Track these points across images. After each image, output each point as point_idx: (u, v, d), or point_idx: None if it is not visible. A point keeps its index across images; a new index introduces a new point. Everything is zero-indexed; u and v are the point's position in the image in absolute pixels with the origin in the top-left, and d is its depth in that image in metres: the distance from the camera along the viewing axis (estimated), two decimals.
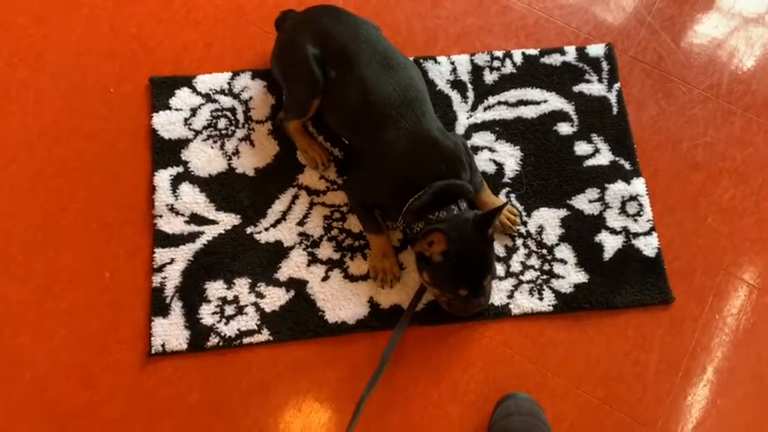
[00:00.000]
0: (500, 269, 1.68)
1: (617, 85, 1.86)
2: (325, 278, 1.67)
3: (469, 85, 1.85)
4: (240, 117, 1.80)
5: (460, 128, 1.81)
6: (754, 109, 1.86)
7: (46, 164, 1.74)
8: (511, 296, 1.66)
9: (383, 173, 1.60)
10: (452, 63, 1.86)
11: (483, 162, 1.77)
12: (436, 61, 1.86)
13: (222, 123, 1.79)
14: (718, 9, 1.98)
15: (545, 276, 1.68)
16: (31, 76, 1.83)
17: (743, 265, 1.72)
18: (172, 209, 1.71)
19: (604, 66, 1.87)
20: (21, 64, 1.84)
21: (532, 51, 1.88)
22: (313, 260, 1.68)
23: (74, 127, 1.78)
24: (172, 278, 1.65)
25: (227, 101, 1.81)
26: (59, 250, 1.67)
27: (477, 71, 1.86)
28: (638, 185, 1.76)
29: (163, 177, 1.73)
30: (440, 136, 1.59)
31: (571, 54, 1.88)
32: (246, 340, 1.60)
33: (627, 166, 1.78)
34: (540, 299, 1.66)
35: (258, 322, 1.62)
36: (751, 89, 1.89)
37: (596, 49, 1.89)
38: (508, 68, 1.86)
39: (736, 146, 1.83)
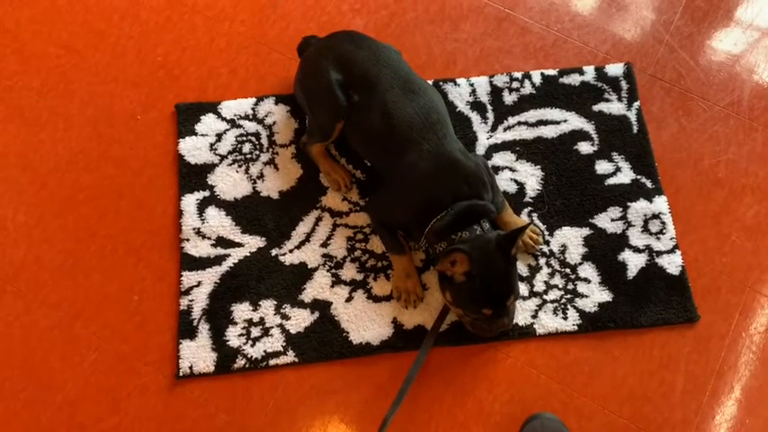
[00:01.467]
0: (523, 289, 1.69)
1: (636, 104, 1.87)
2: (349, 299, 1.68)
3: (489, 107, 1.87)
4: (264, 141, 1.83)
5: (481, 148, 1.82)
6: None
7: (75, 190, 1.79)
8: (535, 316, 1.66)
9: (406, 194, 1.62)
10: (472, 85, 1.89)
11: (504, 182, 1.78)
12: (456, 83, 1.89)
13: (247, 148, 1.83)
14: (737, 25, 1.99)
15: (569, 296, 1.68)
16: (60, 105, 1.88)
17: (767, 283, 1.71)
18: (198, 232, 1.74)
19: (623, 85, 1.88)
20: (50, 93, 1.89)
21: (551, 72, 1.90)
22: (337, 281, 1.70)
23: (101, 154, 1.83)
24: (199, 301, 1.67)
25: (251, 126, 1.85)
26: (89, 275, 1.70)
27: (496, 92, 1.88)
28: (661, 203, 1.76)
29: (189, 201, 1.76)
30: (461, 157, 1.61)
31: (590, 74, 1.90)
32: (272, 362, 1.62)
33: (648, 184, 1.78)
34: (565, 318, 1.66)
35: (284, 344, 1.64)
36: None
37: (615, 69, 1.90)
38: (527, 89, 1.88)
39: (759, 162, 1.82)
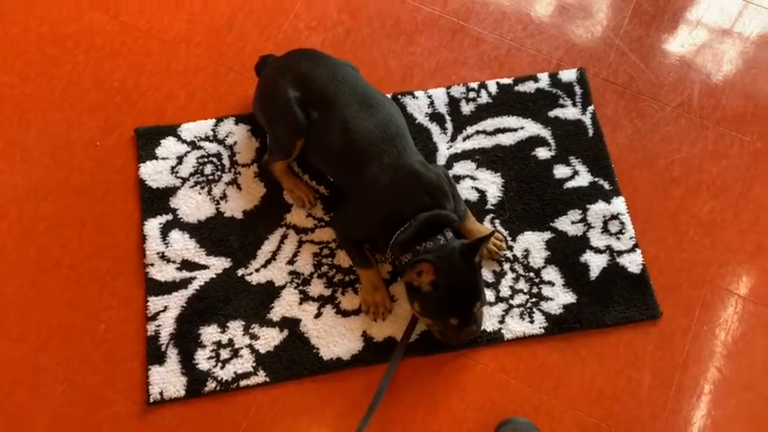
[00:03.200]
0: (490, 295, 1.71)
1: (591, 108, 1.91)
2: (318, 315, 1.68)
3: (447, 117, 1.89)
4: (226, 162, 1.83)
5: (441, 158, 1.85)
6: (725, 123, 1.92)
7: (36, 221, 1.76)
8: (502, 321, 1.69)
9: (369, 208, 1.64)
10: (429, 97, 1.91)
11: (465, 190, 1.81)
12: (414, 96, 1.91)
13: (209, 169, 1.82)
14: (683, 27, 2.05)
15: (534, 299, 1.71)
16: (16, 135, 1.86)
17: (727, 276, 1.75)
18: (163, 257, 1.73)
19: (577, 90, 1.93)
20: (6, 123, 1.87)
21: (506, 80, 1.94)
22: (305, 298, 1.70)
23: (62, 182, 1.81)
24: (166, 326, 1.66)
25: (212, 147, 1.85)
26: (53, 306, 1.68)
27: (453, 103, 1.91)
28: (619, 204, 1.80)
29: (153, 226, 1.75)
30: (421, 168, 1.63)
31: (544, 81, 1.94)
32: (243, 383, 1.61)
33: (606, 185, 1.82)
34: (531, 322, 1.68)
35: (254, 364, 1.63)
36: (721, 103, 1.94)
37: (568, 75, 1.95)
38: (484, 98, 1.91)
39: (711, 159, 1.88)
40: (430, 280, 1.51)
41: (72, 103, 1.89)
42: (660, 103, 1.94)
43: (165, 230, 1.75)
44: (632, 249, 1.76)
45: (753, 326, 1.71)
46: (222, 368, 1.63)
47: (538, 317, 1.69)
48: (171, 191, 1.79)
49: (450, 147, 1.86)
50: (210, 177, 1.81)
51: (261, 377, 1.62)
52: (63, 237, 1.75)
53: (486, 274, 1.73)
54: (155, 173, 1.81)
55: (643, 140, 1.89)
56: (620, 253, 1.75)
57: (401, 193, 1.60)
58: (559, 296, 1.71)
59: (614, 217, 1.79)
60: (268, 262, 1.73)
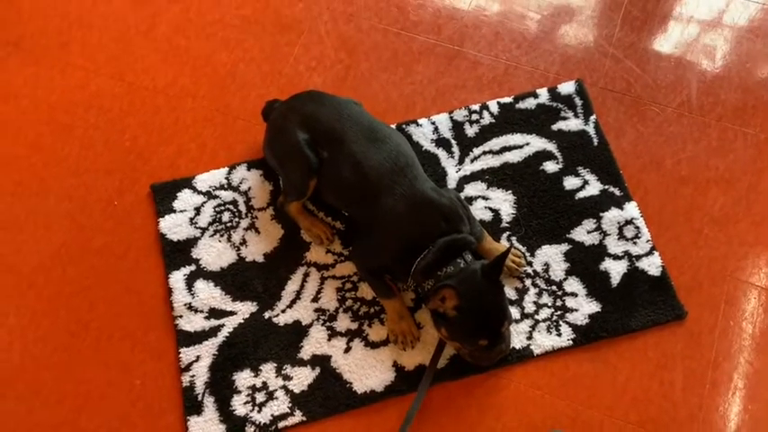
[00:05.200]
0: (515, 312, 1.72)
1: (593, 117, 1.94)
2: (348, 349, 1.70)
3: (453, 141, 1.93)
4: (242, 208, 1.87)
5: (452, 182, 1.88)
6: (726, 117, 1.94)
7: (62, 285, 1.80)
8: (530, 337, 1.70)
9: (386, 239, 1.66)
10: (433, 123, 1.95)
11: (479, 211, 1.83)
12: (418, 124, 1.95)
13: (226, 217, 1.86)
14: (674, 28, 2.09)
15: (559, 312, 1.72)
16: (36, 203, 1.90)
17: (746, 269, 1.77)
18: (190, 307, 1.76)
19: (577, 101, 1.96)
20: (25, 192, 1.92)
21: (507, 99, 1.97)
22: (333, 334, 1.72)
23: (84, 245, 1.85)
24: (200, 375, 1.69)
25: (227, 195, 1.89)
26: (87, 367, 1.71)
27: (457, 127, 1.94)
28: (632, 209, 1.82)
29: (177, 278, 1.79)
30: (434, 195, 1.66)
31: (544, 96, 1.97)
32: (281, 424, 1.63)
33: (617, 192, 1.84)
34: (559, 335, 1.70)
35: (290, 405, 1.65)
36: (720, 99, 1.97)
37: (567, 87, 1.98)
38: (487, 119, 1.95)
39: (717, 155, 1.90)
40: (454, 305, 1.53)
41: (87, 167, 1.94)
42: (660, 105, 1.97)
43: (189, 281, 1.78)
44: (650, 252, 1.77)
45: None
46: (259, 412, 1.65)
47: (565, 329, 1.70)
48: (192, 242, 1.83)
49: (459, 170, 1.89)
50: (229, 224, 1.85)
51: (298, 417, 1.64)
52: (90, 298, 1.78)
53: (509, 292, 1.74)
54: (174, 226, 1.85)
55: (647, 144, 1.92)
56: (639, 257, 1.77)
57: (417, 221, 1.63)
58: (584, 306, 1.72)
59: (628, 222, 1.81)
60: (293, 302, 1.76)
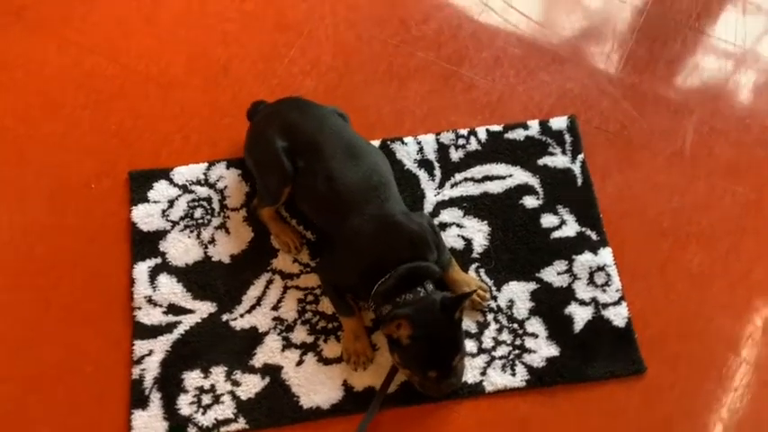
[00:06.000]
0: (472, 346, 1.70)
1: (581, 156, 1.90)
2: (300, 362, 1.69)
3: (436, 164, 1.90)
4: (216, 206, 1.86)
5: (429, 205, 1.86)
6: (717, 173, 1.90)
7: (29, 262, 1.81)
8: (484, 373, 1.68)
9: (350, 257, 1.65)
10: (419, 143, 1.93)
11: (451, 238, 1.81)
12: (403, 142, 1.93)
13: (198, 213, 1.85)
14: (678, 75, 2.04)
15: (517, 351, 1.70)
16: (15, 176, 1.91)
17: (714, 331, 1.73)
18: (150, 300, 1.75)
19: (567, 138, 1.92)
20: (5, 163, 1.92)
21: (496, 127, 1.94)
22: (287, 345, 1.71)
23: (56, 224, 1.85)
24: (150, 369, 1.69)
25: (203, 191, 1.88)
26: (42, 347, 1.71)
27: (443, 149, 1.92)
28: (606, 255, 1.79)
29: (141, 269, 1.78)
30: (404, 219, 1.64)
31: (534, 128, 1.94)
32: (223, 429, 1.62)
33: (593, 236, 1.81)
34: (513, 374, 1.68)
35: (234, 410, 1.65)
36: (714, 153, 1.93)
37: (559, 122, 1.95)
38: (473, 145, 1.92)
39: (702, 210, 1.86)
40: (408, 334, 1.52)
41: (70, 146, 1.94)
42: (652, 151, 1.93)
43: (153, 274, 1.78)
44: (618, 302, 1.74)
45: (741, 382, 1.68)
46: (203, 414, 1.64)
47: (520, 369, 1.68)
48: (161, 234, 1.83)
49: (438, 194, 1.87)
50: (200, 221, 1.84)
51: (241, 424, 1.63)
52: (56, 278, 1.79)
53: (470, 325, 1.72)
54: (146, 216, 1.85)
55: (633, 190, 1.88)
56: (606, 305, 1.74)
57: (382, 243, 1.61)
58: (542, 349, 1.70)
59: (600, 268, 1.78)
60: (253, 307, 1.75)
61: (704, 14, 2.12)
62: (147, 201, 1.86)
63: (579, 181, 1.88)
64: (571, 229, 1.82)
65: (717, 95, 2.00)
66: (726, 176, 1.89)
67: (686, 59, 2.06)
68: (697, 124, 1.96)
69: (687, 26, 2.10)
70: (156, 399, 1.66)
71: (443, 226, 1.82)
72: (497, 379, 1.67)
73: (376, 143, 1.91)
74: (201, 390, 1.67)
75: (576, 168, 1.89)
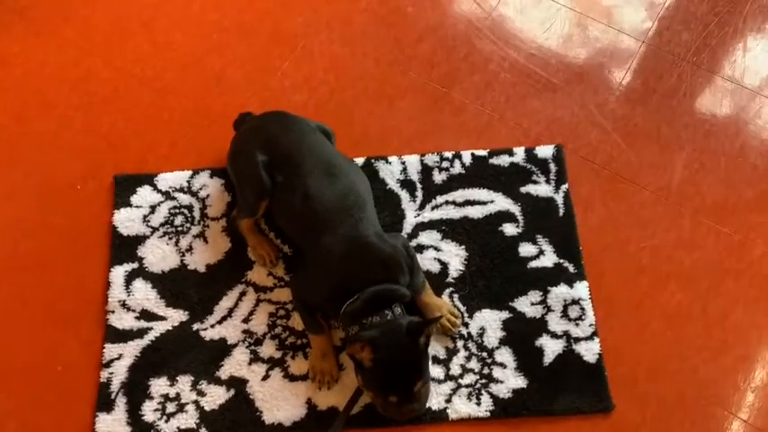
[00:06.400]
0: (439, 372, 1.69)
1: (564, 187, 1.89)
2: (266, 377, 1.70)
3: (419, 185, 1.90)
4: (197, 214, 1.88)
5: (408, 226, 1.85)
6: (703, 212, 1.87)
7: (12, 258, 1.84)
8: (449, 400, 1.67)
9: (320, 276, 1.65)
10: (403, 163, 1.92)
11: (428, 261, 1.80)
12: (387, 161, 1.93)
13: (179, 220, 1.87)
14: (671, 109, 2.01)
15: (484, 380, 1.68)
16: (4, 173, 1.94)
17: (688, 373, 1.70)
18: (124, 305, 1.77)
19: (552, 167, 1.91)
20: None
21: (481, 152, 1.93)
22: (255, 358, 1.72)
23: (41, 222, 1.88)
24: (118, 374, 1.70)
25: (185, 198, 1.90)
26: (14, 344, 1.74)
27: (426, 171, 1.91)
28: (581, 289, 1.77)
29: (118, 273, 1.80)
30: (376, 240, 1.64)
31: (520, 155, 1.93)
32: None
33: (571, 268, 1.79)
34: (478, 404, 1.66)
35: (197, 421, 1.65)
36: (701, 191, 1.89)
37: (545, 151, 1.93)
38: (457, 169, 1.91)
39: (685, 249, 1.83)
40: (370, 356, 1.51)
41: (60, 146, 1.97)
42: (638, 186, 1.90)
43: (129, 279, 1.80)
44: (590, 337, 1.72)
45: (711, 426, 1.65)
46: (167, 422, 1.65)
47: (485, 399, 1.66)
48: (140, 239, 1.85)
49: (418, 215, 1.86)
50: (180, 229, 1.86)
51: None
52: (35, 276, 1.81)
53: (439, 350, 1.71)
54: (127, 220, 1.87)
55: (615, 223, 1.86)
56: (578, 340, 1.72)
57: (353, 264, 1.61)
58: (510, 379, 1.68)
59: (575, 302, 1.76)
60: (224, 318, 1.76)
61: (703, 49, 2.09)
62: (130, 205, 1.88)
63: (561, 211, 1.86)
64: (549, 259, 1.80)
65: (709, 132, 1.97)
66: (712, 215, 1.86)
67: (681, 94, 2.03)
68: (687, 161, 1.93)
69: (685, 60, 2.08)
70: (121, 403, 1.67)
71: (421, 248, 1.82)
72: (462, 407, 1.66)
73: (360, 161, 1.91)
74: (167, 398, 1.68)
75: (559, 198, 1.87)
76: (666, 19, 2.16)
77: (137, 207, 1.88)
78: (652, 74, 2.06)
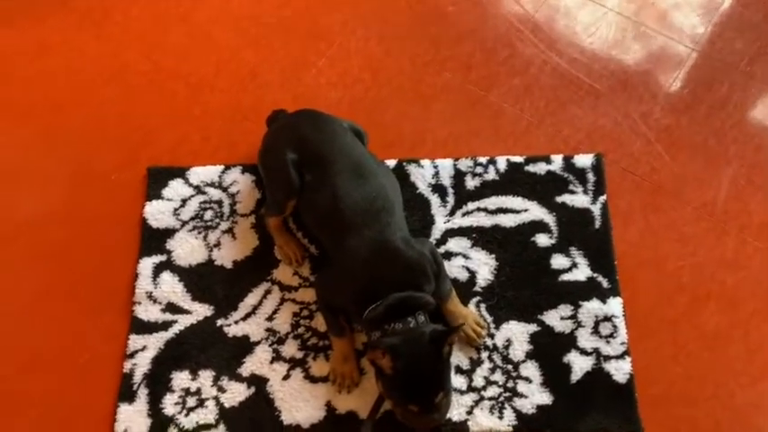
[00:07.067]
0: (462, 382, 1.65)
1: (602, 198, 1.82)
2: (287, 377, 1.68)
3: (450, 190, 1.86)
4: (226, 210, 1.87)
5: (437, 232, 1.81)
6: (750, 230, 1.78)
7: (44, 245, 1.86)
8: (470, 412, 1.62)
9: (344, 279, 1.63)
10: (435, 167, 1.88)
11: (455, 269, 1.76)
12: (419, 164, 1.89)
13: (209, 215, 1.87)
14: (721, 121, 1.92)
15: (508, 394, 1.64)
16: (41, 160, 1.97)
17: (723, 398, 1.62)
18: (150, 296, 1.78)
19: (591, 177, 1.84)
20: (35, 147, 1.99)
21: (517, 158, 1.88)
22: (277, 357, 1.70)
23: (74, 211, 1.90)
24: (142, 365, 1.71)
25: (215, 193, 1.89)
26: (44, 330, 1.76)
27: (459, 176, 1.87)
28: (615, 305, 1.70)
29: (146, 265, 1.81)
30: (402, 246, 1.60)
31: (557, 163, 1.87)
32: None
33: (605, 283, 1.73)
34: (501, 418, 1.62)
35: (216, 417, 1.65)
36: (748, 209, 1.80)
37: (584, 160, 1.86)
38: (491, 175, 1.86)
39: (728, 269, 1.74)
40: (390, 364, 1.48)
41: (96, 137, 1.99)
42: (681, 200, 1.82)
43: (157, 271, 1.80)
44: (621, 356, 1.65)
45: None
46: (186, 416, 1.65)
47: (508, 413, 1.62)
48: (170, 232, 1.85)
49: (448, 221, 1.82)
50: (209, 224, 1.86)
51: (220, 431, 1.64)
52: (66, 265, 1.84)
53: (463, 361, 1.67)
54: (158, 212, 1.87)
55: (655, 239, 1.78)
56: (608, 358, 1.65)
57: (377, 269, 1.58)
58: (535, 395, 1.63)
59: (607, 318, 1.69)
60: (248, 315, 1.75)
61: (758, 58, 1.99)
62: (161, 198, 1.89)
63: (598, 223, 1.79)
64: (582, 273, 1.74)
65: (760, 147, 1.87)
66: (759, 235, 1.77)
67: (731, 106, 1.93)
68: (734, 176, 1.84)
69: (737, 69, 1.98)
70: (143, 394, 1.68)
71: (449, 255, 1.78)
72: (483, 420, 1.61)
73: (392, 163, 1.88)
74: (187, 392, 1.68)
75: (596, 210, 1.81)
76: (720, 25, 2.07)
77: (168, 200, 1.89)
78: (701, 83, 1.97)
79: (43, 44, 2.13)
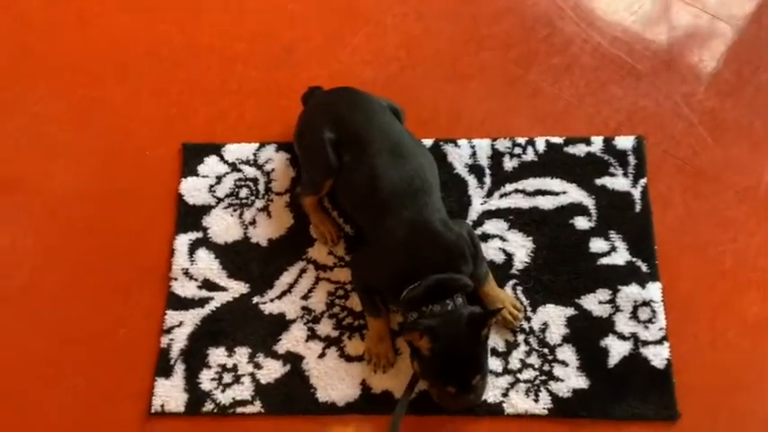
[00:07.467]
0: (498, 365, 1.65)
1: (643, 181, 1.79)
2: (322, 355, 1.69)
3: (488, 171, 1.84)
4: (261, 188, 1.87)
5: (474, 214, 1.79)
6: None
7: (80, 220, 1.87)
8: (506, 394, 1.63)
9: (382, 259, 1.62)
10: (473, 147, 1.86)
11: (492, 251, 1.75)
12: (456, 144, 1.87)
13: (244, 193, 1.87)
14: (766, 105, 1.87)
15: (544, 377, 1.63)
16: (76, 135, 1.97)
17: (763, 387, 1.60)
18: (187, 273, 1.79)
19: (631, 159, 1.81)
20: (70, 122, 1.99)
21: (557, 139, 1.85)
22: (312, 336, 1.71)
23: (109, 187, 1.90)
24: (178, 341, 1.73)
25: (251, 171, 1.89)
26: (81, 305, 1.78)
27: (496, 157, 1.85)
28: (654, 290, 1.68)
29: (182, 242, 1.82)
30: (440, 227, 1.59)
31: (597, 145, 1.83)
32: (239, 410, 1.65)
33: (644, 268, 1.71)
34: (536, 400, 1.61)
35: (252, 393, 1.67)
36: None
37: (624, 142, 1.83)
38: (529, 156, 1.84)
39: None
40: (428, 346, 1.48)
41: (130, 110, 1.99)
42: (723, 184, 1.79)
43: (193, 247, 1.81)
44: (660, 342, 1.64)
45: None
46: (223, 392, 1.67)
47: (544, 396, 1.62)
48: (206, 209, 1.85)
49: (485, 202, 1.80)
50: (244, 201, 1.86)
51: (257, 407, 1.65)
52: (101, 241, 1.85)
53: (498, 343, 1.67)
54: (194, 189, 1.87)
55: (695, 223, 1.75)
56: (646, 343, 1.64)
57: (415, 250, 1.57)
58: (571, 378, 1.63)
59: (646, 303, 1.67)
60: (283, 293, 1.75)
61: None
62: (197, 174, 1.89)
63: (638, 207, 1.77)
64: (621, 257, 1.72)
65: None
66: None
67: None
68: None
69: None
70: (179, 370, 1.70)
71: (485, 237, 1.76)
72: (519, 402, 1.62)
73: (428, 142, 1.86)
74: (224, 368, 1.70)
75: (637, 193, 1.78)
76: (766, 5, 2.00)
77: (203, 177, 1.89)
78: (747, 64, 1.91)
79: (79, 16, 2.12)
